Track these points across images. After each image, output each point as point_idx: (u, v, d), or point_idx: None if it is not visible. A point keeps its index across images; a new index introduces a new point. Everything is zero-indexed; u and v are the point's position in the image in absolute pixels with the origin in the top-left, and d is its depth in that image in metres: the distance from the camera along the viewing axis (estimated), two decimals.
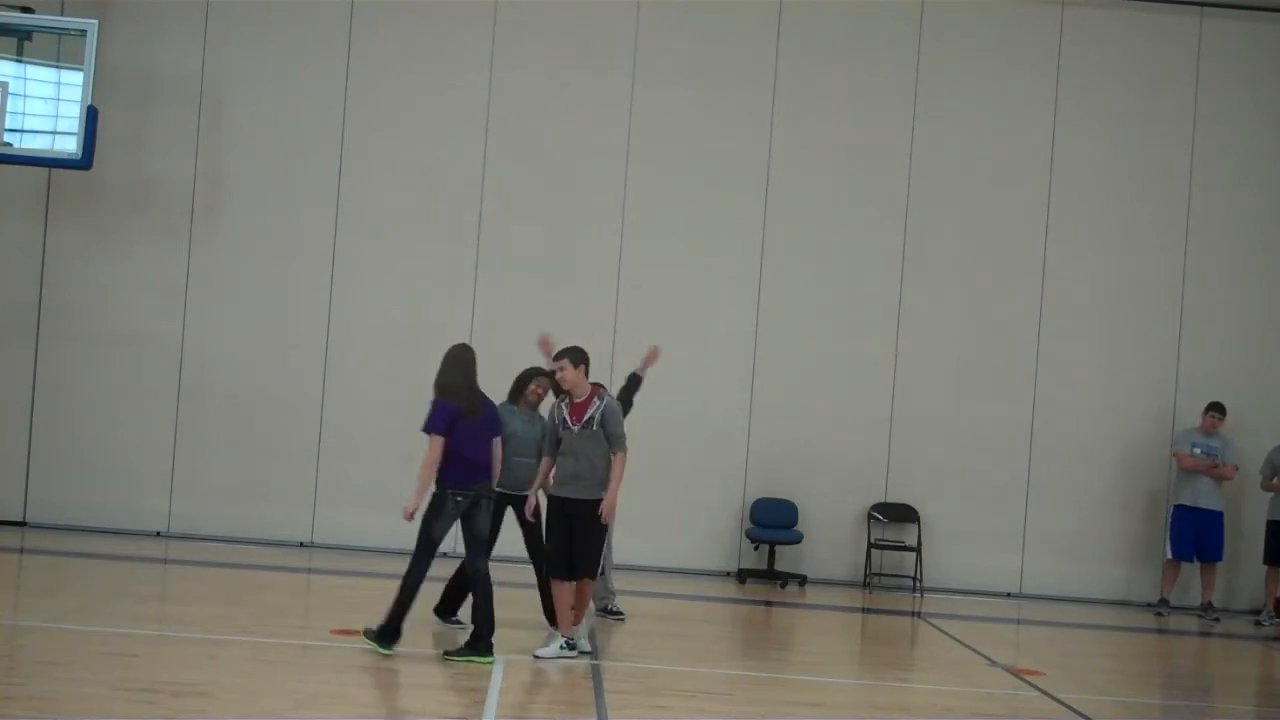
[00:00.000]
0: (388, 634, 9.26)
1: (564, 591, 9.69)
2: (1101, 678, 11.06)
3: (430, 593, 9.91)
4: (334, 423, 14.49)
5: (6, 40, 12.99)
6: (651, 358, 11.34)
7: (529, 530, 10.28)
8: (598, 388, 9.90)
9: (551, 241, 14.67)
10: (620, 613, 11.37)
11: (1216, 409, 14.22)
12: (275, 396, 14.48)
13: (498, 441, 9.64)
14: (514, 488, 10.13)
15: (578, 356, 9.71)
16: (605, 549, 10.49)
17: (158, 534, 14.45)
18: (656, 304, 14.63)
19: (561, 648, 9.60)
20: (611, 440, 9.64)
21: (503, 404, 10.27)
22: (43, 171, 14.07)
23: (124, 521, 14.39)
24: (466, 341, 10.25)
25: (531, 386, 10.48)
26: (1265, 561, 14.20)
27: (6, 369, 14.44)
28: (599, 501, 9.59)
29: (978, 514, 14.67)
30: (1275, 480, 14.12)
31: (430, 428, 9.36)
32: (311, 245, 14.59)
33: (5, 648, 9.00)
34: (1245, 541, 14.55)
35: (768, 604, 13.48)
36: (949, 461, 14.68)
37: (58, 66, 13.04)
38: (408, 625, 9.37)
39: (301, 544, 14.43)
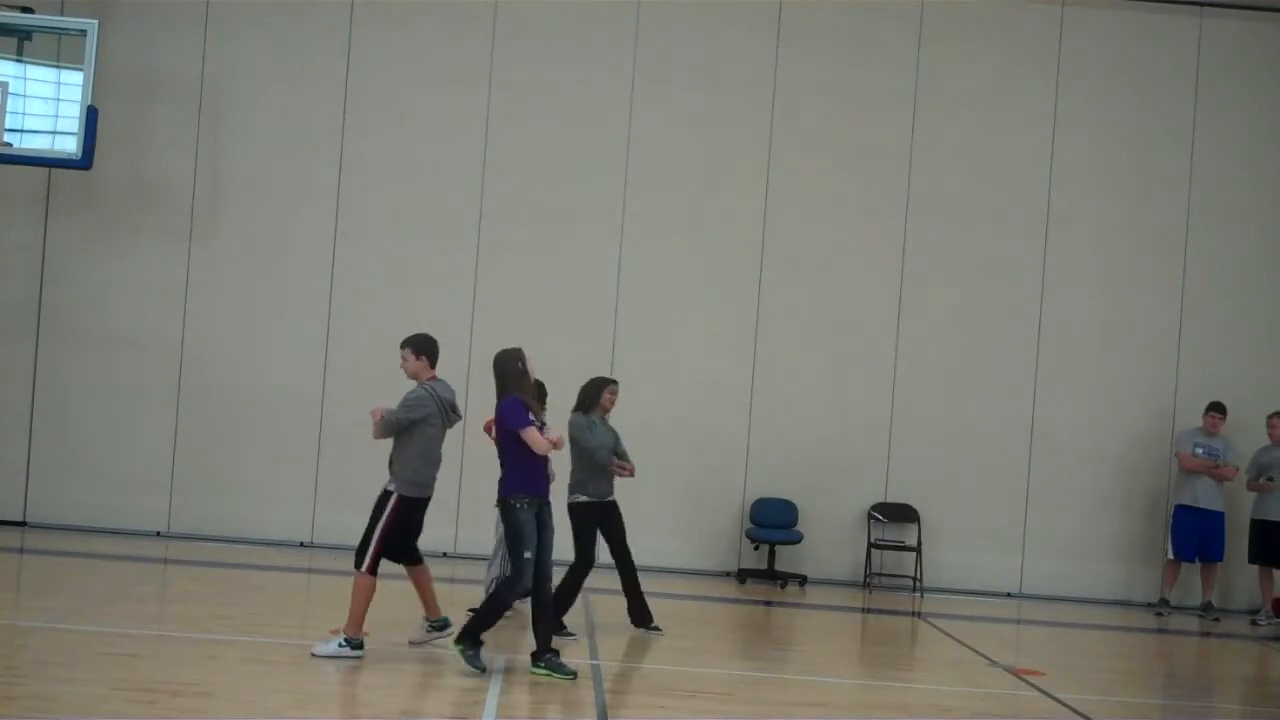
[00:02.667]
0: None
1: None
2: (1101, 678, 11.06)
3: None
4: (334, 423, 14.49)
5: (6, 40, 13.00)
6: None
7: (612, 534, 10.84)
8: (431, 377, 9.41)
9: (551, 241, 14.67)
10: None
11: (1217, 409, 14.23)
12: (275, 396, 14.48)
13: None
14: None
15: (419, 346, 9.37)
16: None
17: (157, 534, 14.45)
18: (656, 304, 14.65)
19: (340, 645, 9.13)
20: (390, 416, 9.19)
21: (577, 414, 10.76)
22: (43, 171, 14.08)
23: (124, 521, 14.39)
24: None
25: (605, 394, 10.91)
26: (1250, 560, 14.23)
27: (6, 369, 14.45)
28: (388, 494, 9.21)
29: (978, 514, 14.68)
30: (1261, 480, 14.15)
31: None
32: (311, 245, 14.59)
33: (5, 648, 8.99)
34: (1244, 542, 14.54)
35: (768, 604, 13.48)
36: (949, 461, 14.68)
37: (58, 66, 13.05)
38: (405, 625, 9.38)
39: (301, 544, 14.43)
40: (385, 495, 9.28)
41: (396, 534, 9.24)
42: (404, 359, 9.41)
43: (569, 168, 14.71)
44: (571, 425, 10.67)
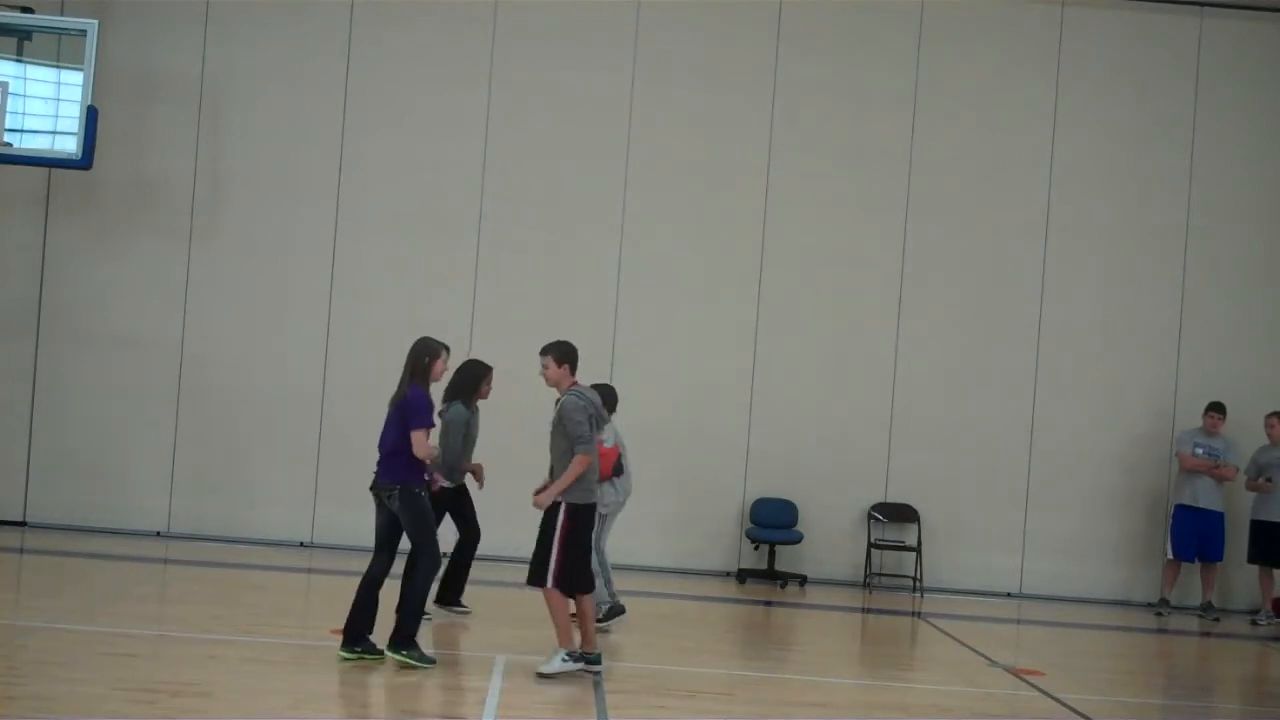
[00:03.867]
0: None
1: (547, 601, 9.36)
2: (1101, 678, 11.06)
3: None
4: (334, 423, 14.50)
5: (6, 40, 13.00)
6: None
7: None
8: (573, 384, 9.40)
9: (551, 241, 14.68)
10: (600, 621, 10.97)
11: (1217, 409, 14.23)
12: (275, 396, 14.49)
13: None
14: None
15: (561, 354, 9.33)
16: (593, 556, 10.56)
17: (157, 534, 14.45)
18: (656, 304, 14.65)
19: (563, 660, 9.15)
20: (571, 440, 9.13)
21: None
22: (43, 171, 14.08)
23: (124, 521, 14.39)
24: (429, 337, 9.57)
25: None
26: (1250, 560, 14.24)
27: (6, 369, 14.45)
28: (557, 505, 9.14)
29: (978, 514, 14.68)
30: (1260, 480, 14.16)
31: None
32: (311, 245, 14.59)
33: (5, 648, 8.99)
34: (1244, 542, 14.54)
35: (768, 604, 13.48)
36: (949, 461, 14.68)
37: (58, 66, 13.05)
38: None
39: (301, 544, 14.43)
40: (553, 507, 9.14)
41: (574, 543, 9.17)
42: (545, 366, 9.32)
43: (569, 167, 14.71)
44: (450, 418, 10.58)
